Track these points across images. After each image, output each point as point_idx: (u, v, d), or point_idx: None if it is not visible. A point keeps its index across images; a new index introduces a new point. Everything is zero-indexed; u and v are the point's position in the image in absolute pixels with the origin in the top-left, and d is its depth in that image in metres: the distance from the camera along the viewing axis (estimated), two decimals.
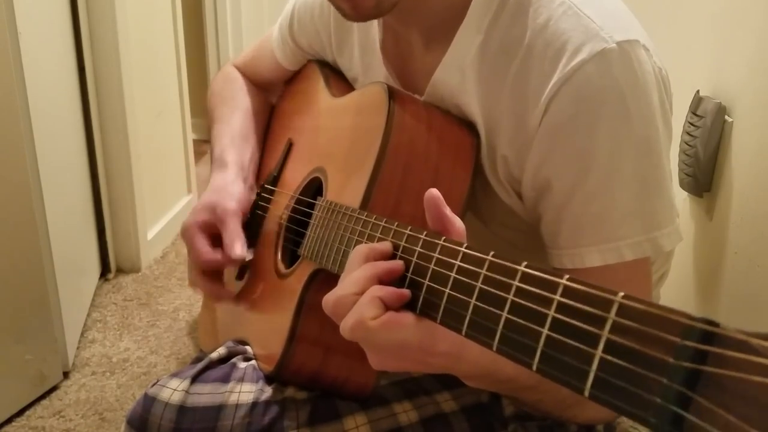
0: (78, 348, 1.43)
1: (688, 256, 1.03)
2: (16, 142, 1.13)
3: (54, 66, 1.40)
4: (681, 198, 1.05)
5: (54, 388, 1.29)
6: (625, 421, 0.74)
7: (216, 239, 0.79)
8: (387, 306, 0.42)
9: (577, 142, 0.56)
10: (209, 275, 0.80)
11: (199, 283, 0.81)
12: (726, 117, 0.92)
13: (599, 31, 0.55)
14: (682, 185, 1.01)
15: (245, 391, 0.64)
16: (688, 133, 0.98)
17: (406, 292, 0.42)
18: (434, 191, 0.45)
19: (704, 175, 0.95)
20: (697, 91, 0.99)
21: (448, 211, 0.45)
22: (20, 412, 1.22)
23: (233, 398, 0.63)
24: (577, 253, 0.59)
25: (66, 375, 1.33)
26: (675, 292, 1.00)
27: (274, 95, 1.01)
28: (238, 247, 0.76)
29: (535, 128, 0.58)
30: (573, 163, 0.57)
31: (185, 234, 0.80)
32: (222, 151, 0.88)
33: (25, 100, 1.16)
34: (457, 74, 0.64)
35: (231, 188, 0.83)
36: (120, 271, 1.81)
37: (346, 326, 0.43)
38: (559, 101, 0.56)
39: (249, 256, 0.80)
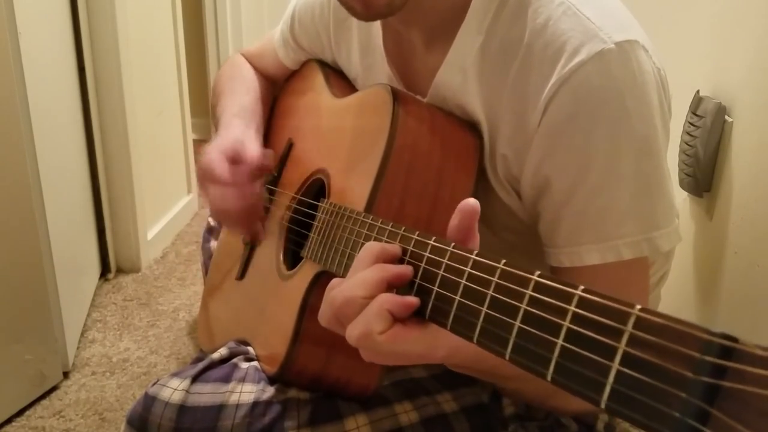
0: (78, 348, 1.43)
1: (688, 256, 1.03)
2: (16, 142, 1.13)
3: (54, 66, 1.40)
4: (681, 198, 1.05)
5: (54, 388, 1.29)
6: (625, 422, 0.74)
7: None
8: (395, 317, 0.42)
9: (577, 142, 0.57)
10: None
11: (230, 190, 0.74)
12: (726, 117, 0.92)
13: (598, 32, 0.56)
14: (682, 185, 1.01)
15: (246, 391, 0.64)
16: (688, 133, 0.98)
17: (414, 300, 0.42)
18: (473, 201, 0.44)
19: (704, 175, 0.95)
20: (697, 91, 0.99)
21: (476, 225, 0.44)
22: (20, 412, 1.22)
23: (234, 398, 0.63)
24: (575, 252, 0.59)
25: (66, 375, 1.33)
26: (675, 292, 1.00)
27: (276, 90, 1.01)
28: (268, 153, 0.75)
29: (534, 128, 0.58)
30: (572, 161, 0.57)
31: (207, 159, 0.76)
32: (232, 116, 0.87)
33: (25, 100, 1.15)
34: (459, 75, 0.64)
35: (252, 138, 0.82)
36: (120, 271, 1.81)
37: (352, 335, 0.42)
38: (559, 101, 0.56)
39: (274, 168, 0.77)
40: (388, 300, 0.42)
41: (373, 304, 0.42)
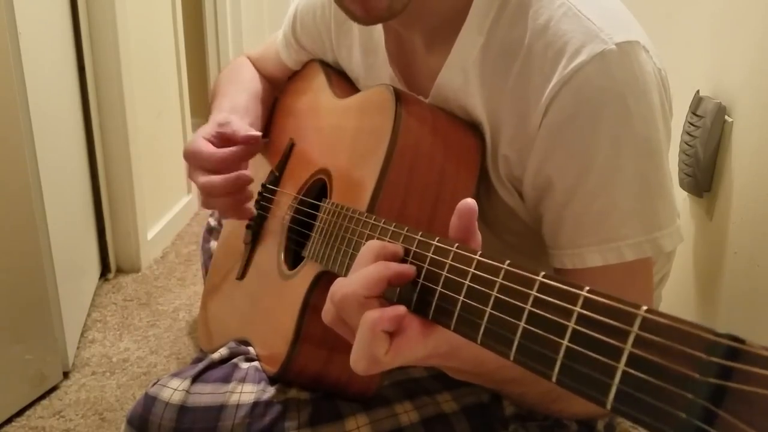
0: (78, 348, 1.43)
1: (688, 257, 1.03)
2: (16, 142, 1.13)
3: (54, 66, 1.40)
4: (681, 198, 1.05)
5: (54, 388, 1.29)
6: (625, 421, 0.74)
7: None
8: (391, 331, 0.41)
9: (578, 142, 0.57)
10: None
11: (218, 180, 0.73)
12: (726, 117, 0.92)
13: (599, 33, 0.56)
14: (682, 185, 1.01)
15: (246, 391, 0.64)
16: (688, 133, 0.98)
17: (401, 308, 0.41)
18: (471, 201, 0.43)
19: (704, 175, 0.95)
20: (697, 91, 0.99)
21: (476, 224, 0.44)
22: (20, 412, 1.21)
23: (234, 398, 0.64)
24: (577, 254, 0.59)
25: (66, 375, 1.33)
26: (675, 292, 1.00)
27: (278, 91, 1.01)
28: (253, 130, 0.74)
29: (536, 129, 0.58)
30: (574, 162, 0.57)
31: (193, 145, 0.76)
32: (221, 111, 0.86)
33: (25, 100, 1.15)
34: (461, 76, 0.64)
35: (237, 120, 0.81)
36: (120, 271, 1.81)
37: (358, 368, 0.41)
38: (560, 102, 0.56)
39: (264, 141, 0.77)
40: (379, 321, 0.40)
41: (365, 331, 0.40)
